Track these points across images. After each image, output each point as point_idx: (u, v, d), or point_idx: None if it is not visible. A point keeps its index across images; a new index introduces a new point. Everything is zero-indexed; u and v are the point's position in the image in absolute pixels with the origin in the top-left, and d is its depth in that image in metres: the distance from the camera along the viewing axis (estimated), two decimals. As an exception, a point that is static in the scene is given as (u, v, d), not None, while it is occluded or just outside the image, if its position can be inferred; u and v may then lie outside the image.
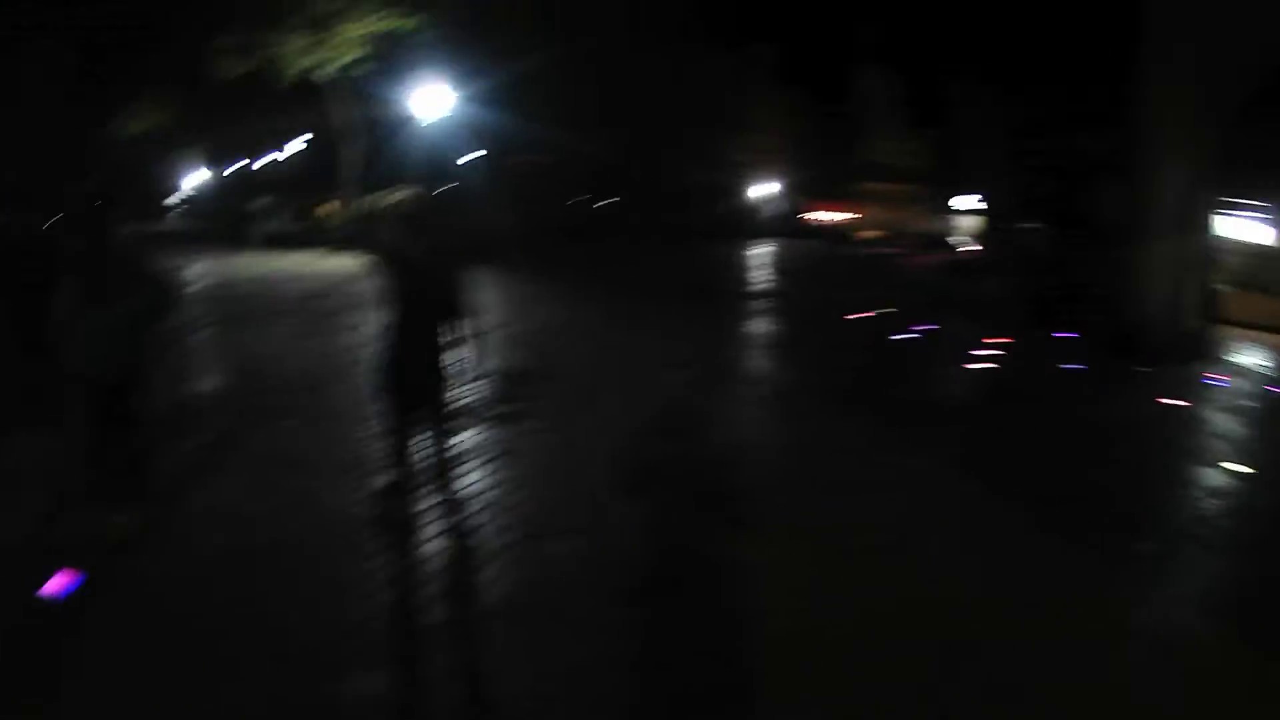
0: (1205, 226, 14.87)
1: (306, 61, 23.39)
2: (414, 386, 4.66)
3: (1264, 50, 12.98)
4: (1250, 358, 14.91)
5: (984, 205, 22.41)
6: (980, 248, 23.73)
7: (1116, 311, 14.06)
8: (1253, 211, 19.39)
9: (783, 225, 52.17)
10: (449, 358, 4.78)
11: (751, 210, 53.65)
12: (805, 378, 9.60)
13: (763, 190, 56.80)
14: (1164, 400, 10.24)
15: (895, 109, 53.39)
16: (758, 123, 53.61)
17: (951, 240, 46.06)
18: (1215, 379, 12.09)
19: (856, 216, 57.88)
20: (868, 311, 14.84)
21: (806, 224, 56.42)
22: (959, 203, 46.04)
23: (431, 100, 22.98)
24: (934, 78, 21.34)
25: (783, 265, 28.21)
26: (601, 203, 37.98)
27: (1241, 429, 9.01)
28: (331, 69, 23.71)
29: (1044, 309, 16.69)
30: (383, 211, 4.84)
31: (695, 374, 8.72)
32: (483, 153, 29.76)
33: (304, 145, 38.01)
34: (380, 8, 22.35)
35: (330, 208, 27.86)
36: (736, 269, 24.82)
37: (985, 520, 5.38)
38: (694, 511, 5.03)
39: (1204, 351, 14.23)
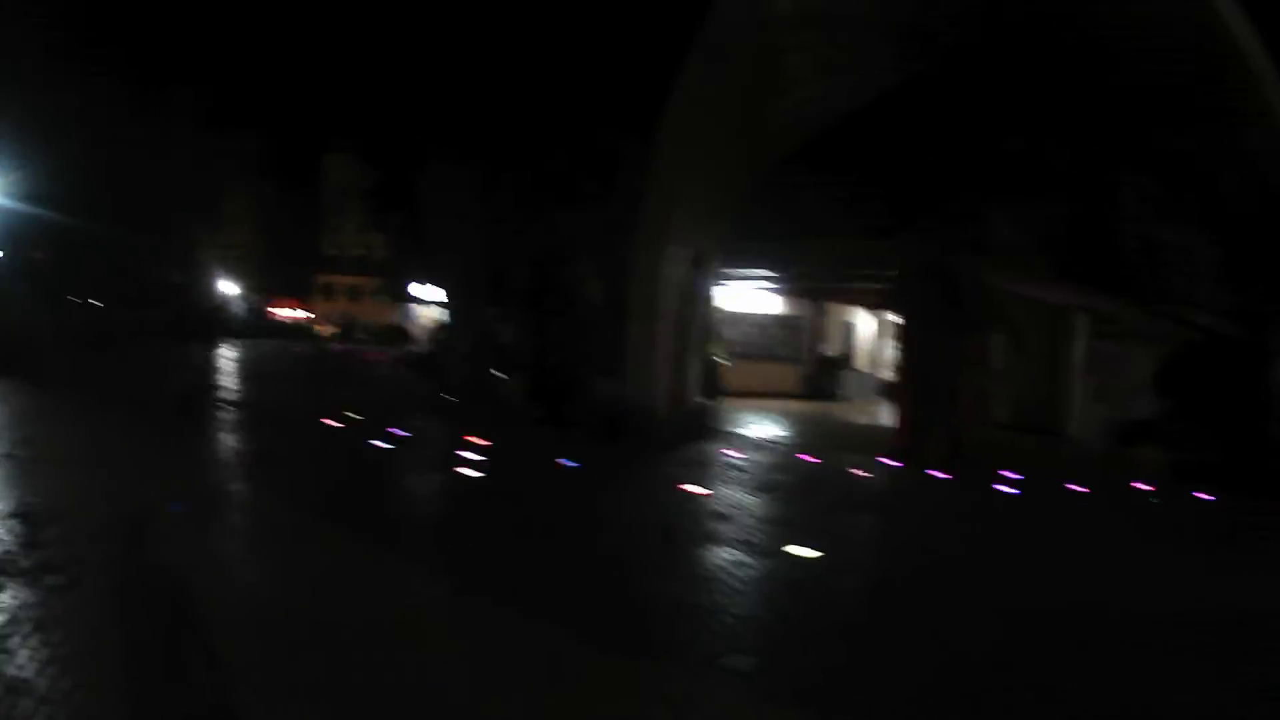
0: (706, 303, 14.93)
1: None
2: None
3: (784, 126, 13.17)
4: (759, 429, 15.98)
5: (449, 294, 21.97)
6: (443, 339, 22.95)
7: (611, 397, 13.41)
8: (751, 279, 19.97)
9: (249, 324, 50.72)
10: None
11: (219, 308, 50.99)
12: (289, 495, 8.90)
13: (230, 287, 54.57)
14: (684, 487, 10.09)
15: (364, 199, 54.03)
16: (230, 216, 51.65)
17: (412, 332, 45.88)
18: (731, 455, 12.47)
19: (316, 312, 57.85)
20: (336, 417, 14.27)
21: (272, 321, 55.23)
22: (422, 292, 44.68)
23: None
24: (406, 164, 20.98)
25: (248, 368, 27.83)
26: (88, 301, 36.30)
27: (777, 506, 9.41)
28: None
29: (526, 400, 15.74)
30: None
31: (191, 501, 8.19)
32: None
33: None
34: None
35: None
36: (208, 374, 24.23)
37: (565, 664, 4.81)
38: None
39: (711, 427, 14.52)
